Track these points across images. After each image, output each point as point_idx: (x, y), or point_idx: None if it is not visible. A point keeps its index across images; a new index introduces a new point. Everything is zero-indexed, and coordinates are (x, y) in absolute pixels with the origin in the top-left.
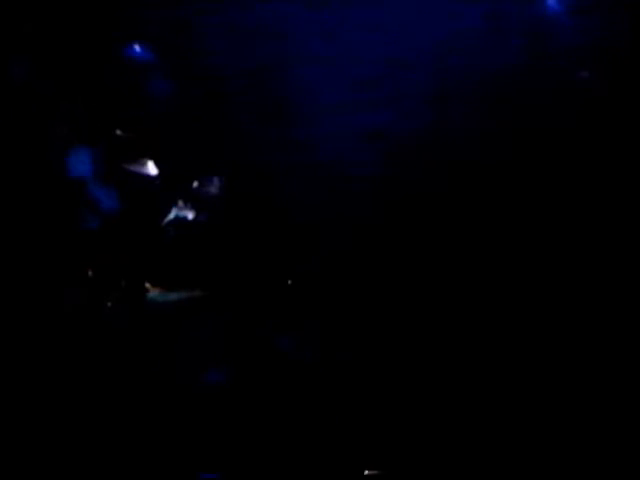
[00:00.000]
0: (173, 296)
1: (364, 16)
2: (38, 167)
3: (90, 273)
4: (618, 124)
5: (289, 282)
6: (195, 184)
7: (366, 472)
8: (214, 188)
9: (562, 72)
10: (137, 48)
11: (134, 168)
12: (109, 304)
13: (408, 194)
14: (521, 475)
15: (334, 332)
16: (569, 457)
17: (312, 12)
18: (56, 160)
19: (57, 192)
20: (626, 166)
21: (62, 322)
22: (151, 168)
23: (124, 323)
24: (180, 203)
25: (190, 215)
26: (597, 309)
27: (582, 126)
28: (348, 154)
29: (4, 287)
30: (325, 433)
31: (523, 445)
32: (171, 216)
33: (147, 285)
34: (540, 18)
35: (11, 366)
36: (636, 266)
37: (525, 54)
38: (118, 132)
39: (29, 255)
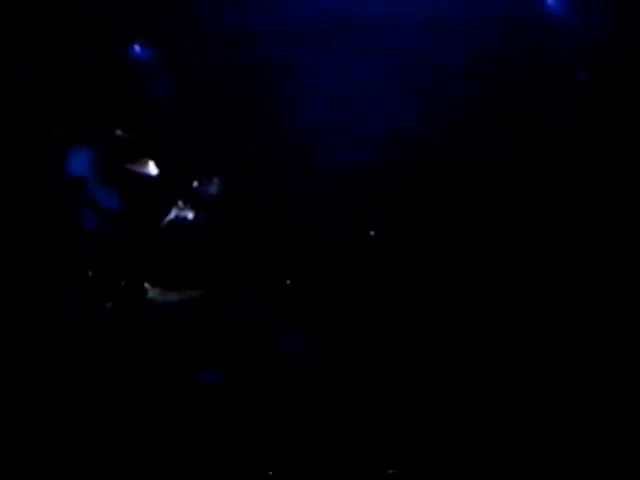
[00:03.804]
0: (173, 296)
1: None
2: (38, 167)
3: (90, 273)
4: (617, 124)
5: (288, 282)
6: (195, 184)
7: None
8: (214, 188)
9: (561, 72)
10: (137, 48)
11: (134, 168)
12: (109, 304)
13: (408, 194)
14: (521, 475)
15: (338, 332)
16: (569, 457)
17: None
18: (56, 160)
19: (57, 192)
20: (625, 166)
21: (62, 322)
22: (151, 168)
23: (124, 323)
24: (180, 203)
25: (190, 215)
26: (597, 309)
27: (581, 126)
28: (350, 155)
29: (4, 287)
30: (328, 435)
31: (523, 445)
32: (171, 216)
33: (147, 285)
34: (540, 18)
35: (11, 366)
36: (636, 265)
37: (524, 54)
38: (118, 132)
39: (29, 255)
